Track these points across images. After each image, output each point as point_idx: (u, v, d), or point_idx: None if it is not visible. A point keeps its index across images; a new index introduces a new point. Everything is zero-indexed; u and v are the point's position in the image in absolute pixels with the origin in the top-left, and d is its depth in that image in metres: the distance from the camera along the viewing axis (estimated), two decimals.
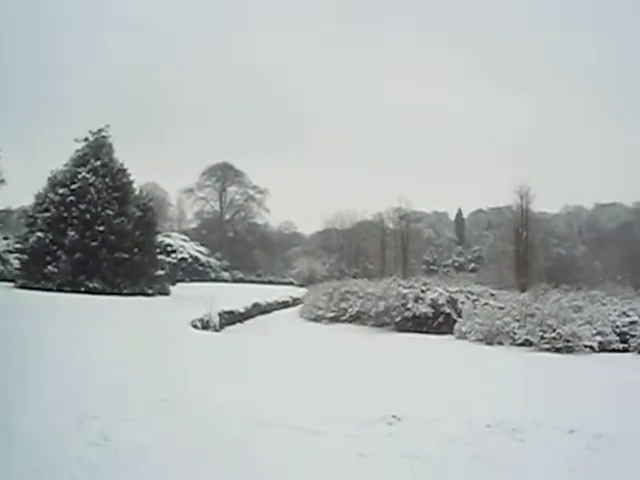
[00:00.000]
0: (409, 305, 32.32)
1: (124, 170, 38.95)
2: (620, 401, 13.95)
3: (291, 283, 76.44)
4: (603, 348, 25.47)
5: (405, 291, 33.41)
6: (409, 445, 8.74)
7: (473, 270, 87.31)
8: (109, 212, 36.32)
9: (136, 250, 36.95)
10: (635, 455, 9.21)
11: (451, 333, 29.48)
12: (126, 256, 36.04)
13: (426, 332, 30.48)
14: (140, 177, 47.94)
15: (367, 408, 10.78)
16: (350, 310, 36.70)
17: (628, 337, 26.25)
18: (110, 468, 6.86)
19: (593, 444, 9.63)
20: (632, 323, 26.65)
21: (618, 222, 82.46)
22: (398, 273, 51.35)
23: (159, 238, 47.79)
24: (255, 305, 38.10)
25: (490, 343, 26.50)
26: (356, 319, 35.93)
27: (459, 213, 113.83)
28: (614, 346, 25.88)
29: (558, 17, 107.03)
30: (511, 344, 26.26)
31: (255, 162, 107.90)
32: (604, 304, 30.03)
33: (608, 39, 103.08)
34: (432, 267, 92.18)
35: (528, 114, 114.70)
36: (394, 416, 10.28)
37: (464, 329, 28.59)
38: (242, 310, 34.17)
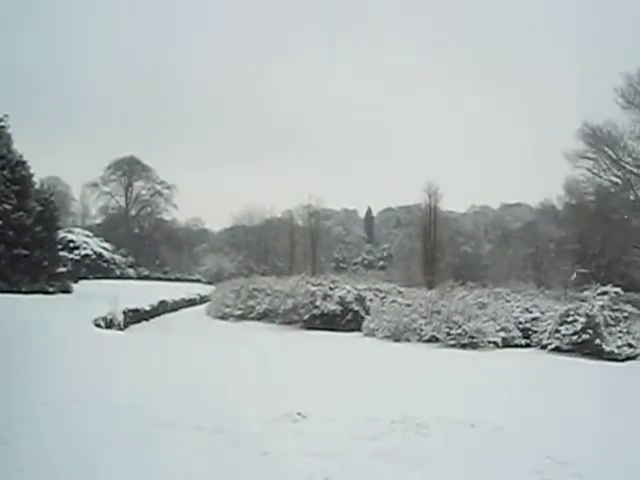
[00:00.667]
0: (317, 303, 32.42)
1: (24, 162, 37.40)
2: (521, 395, 14.37)
3: (199, 280, 75.43)
4: (507, 344, 26.22)
5: (313, 289, 33.51)
6: (313, 442, 8.72)
7: (382, 268, 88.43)
8: (7, 206, 34.83)
9: (36, 246, 35.59)
10: (533, 447, 9.45)
11: (359, 330, 29.76)
12: (25, 252, 34.63)
13: (334, 330, 30.61)
14: (41, 171, 46.37)
15: (272, 406, 10.71)
16: (258, 308, 36.54)
17: (530, 333, 27.13)
18: None
19: (494, 437, 9.86)
20: (534, 319, 27.56)
21: (523, 221, 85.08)
22: (307, 271, 51.52)
23: (61, 234, 46.27)
24: (161, 303, 37.43)
25: (398, 340, 26.88)
26: (264, 317, 35.80)
27: (369, 211, 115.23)
28: (517, 342, 26.70)
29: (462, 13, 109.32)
30: (418, 340, 26.71)
31: (162, 157, 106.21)
32: (508, 301, 30.94)
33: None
34: (341, 265, 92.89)
35: (439, 114, 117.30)
36: (299, 414, 10.22)
37: (372, 326, 28.91)
38: (148, 308, 33.50)
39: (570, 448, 9.48)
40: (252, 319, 35.77)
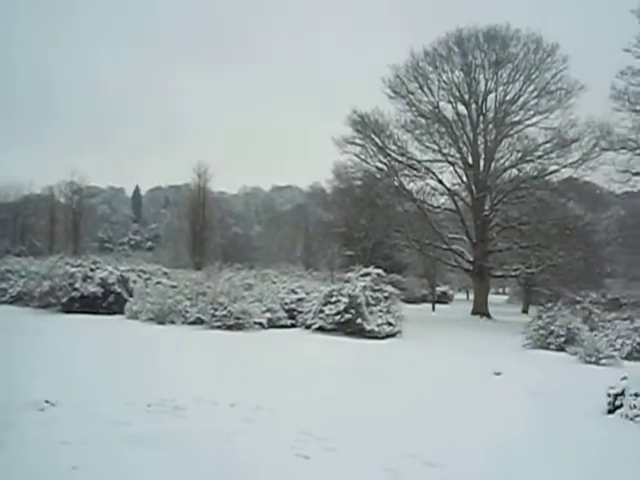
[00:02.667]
0: (77, 285, 31.00)
1: None
2: (280, 374, 14.79)
3: None
4: (273, 324, 26.81)
5: (73, 270, 31.97)
6: (62, 430, 8.46)
7: (150, 249, 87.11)
8: None
9: None
10: (290, 424, 9.76)
11: (122, 313, 28.94)
12: None
13: (96, 313, 29.49)
14: None
15: (16, 394, 10.17)
16: (11, 290, 34.25)
17: (296, 313, 28.01)
18: None
19: (253, 416, 10.06)
20: (299, 300, 28.50)
21: (293, 204, 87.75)
22: (68, 251, 49.24)
23: None
24: None
25: (162, 322, 26.49)
26: (18, 300, 33.61)
27: (137, 190, 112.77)
28: (283, 322, 27.41)
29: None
30: (183, 323, 26.51)
31: None
32: (275, 282, 31.71)
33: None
34: (107, 245, 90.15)
35: (212, 96, 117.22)
36: (47, 401, 9.79)
37: (135, 308, 28.25)
38: None
39: (325, 424, 9.93)
40: (4, 303, 33.46)
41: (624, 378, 12.46)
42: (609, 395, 12.25)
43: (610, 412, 12.08)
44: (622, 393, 12.01)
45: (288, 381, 13.91)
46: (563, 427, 11.09)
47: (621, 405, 11.90)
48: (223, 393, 11.61)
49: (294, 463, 7.93)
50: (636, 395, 11.59)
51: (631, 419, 11.40)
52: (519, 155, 43.85)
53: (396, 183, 45.45)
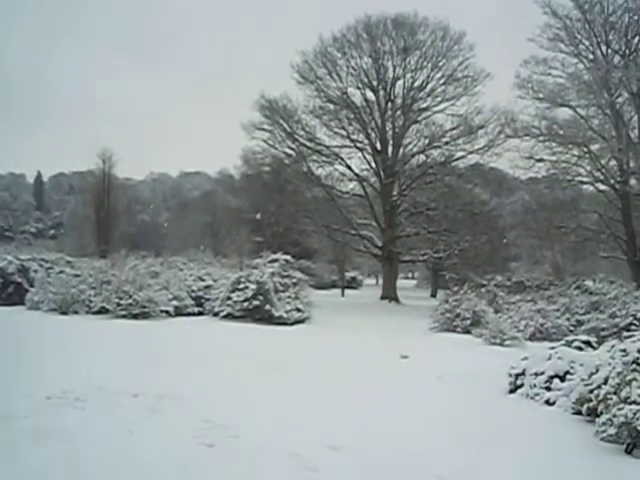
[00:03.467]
0: None
1: None
2: (184, 363, 14.60)
3: None
4: (180, 312, 26.47)
5: None
6: None
7: (53, 237, 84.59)
8: None
9: None
10: (193, 413, 9.64)
11: (23, 304, 27.99)
12: None
13: None
14: None
15: None
16: None
17: (203, 301, 27.73)
18: None
19: (156, 406, 9.91)
20: (207, 287, 28.22)
21: (201, 190, 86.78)
22: None
23: None
24: None
25: (65, 312, 25.77)
26: None
27: (38, 176, 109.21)
28: (190, 310, 27.09)
29: None
30: (87, 312, 25.88)
31: None
32: (181, 269, 31.29)
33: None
34: (7, 234, 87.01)
35: (121, 82, 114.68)
36: None
37: (36, 299, 27.38)
38: None
39: (229, 412, 9.86)
40: None
41: (525, 358, 12.85)
42: (510, 375, 12.60)
43: (512, 392, 12.43)
44: (523, 373, 12.38)
45: (192, 369, 13.75)
46: (466, 408, 11.35)
47: (522, 385, 12.25)
48: (127, 383, 11.43)
49: (197, 452, 7.86)
50: (536, 374, 11.95)
51: (531, 397, 11.75)
52: (427, 141, 44.69)
53: (305, 169, 45.56)
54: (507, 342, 21.93)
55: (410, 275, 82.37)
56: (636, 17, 38.18)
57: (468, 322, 25.53)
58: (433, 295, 51.24)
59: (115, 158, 56.33)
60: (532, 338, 23.70)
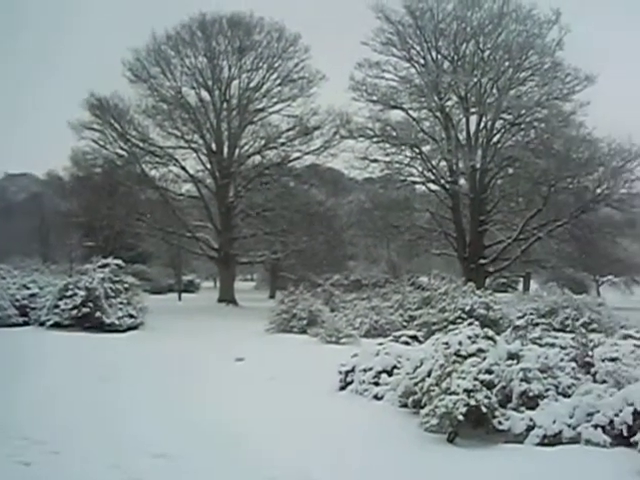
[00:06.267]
0: None
1: None
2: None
3: None
4: (3, 323, 25.02)
5: None
6: None
7: None
8: None
9: None
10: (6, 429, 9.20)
11: None
12: None
13: None
14: None
15: None
16: None
17: (29, 310, 26.35)
18: None
19: None
20: (32, 295, 26.81)
21: (28, 193, 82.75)
22: None
23: None
24: None
25: None
26: None
27: None
28: (14, 320, 25.61)
29: None
30: None
31: None
32: (4, 277, 29.58)
33: None
34: None
35: None
36: None
37: None
38: None
39: (46, 427, 9.49)
40: None
41: (355, 355, 13.16)
42: (340, 372, 12.87)
43: (342, 389, 12.70)
44: (353, 370, 12.67)
45: (7, 385, 12.94)
46: (295, 407, 11.48)
47: (352, 381, 12.54)
48: None
49: (13, 471, 7.55)
50: (364, 370, 12.28)
51: (360, 393, 12.07)
52: (263, 142, 44.97)
53: (138, 170, 44.51)
54: (343, 340, 22.41)
55: (249, 277, 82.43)
56: (464, 25, 40.36)
57: (304, 322, 25.86)
58: (272, 296, 51.53)
59: None
60: (367, 335, 24.28)
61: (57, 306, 24.88)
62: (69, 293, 24.91)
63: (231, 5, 51.65)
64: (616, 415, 9.07)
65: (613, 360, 10.90)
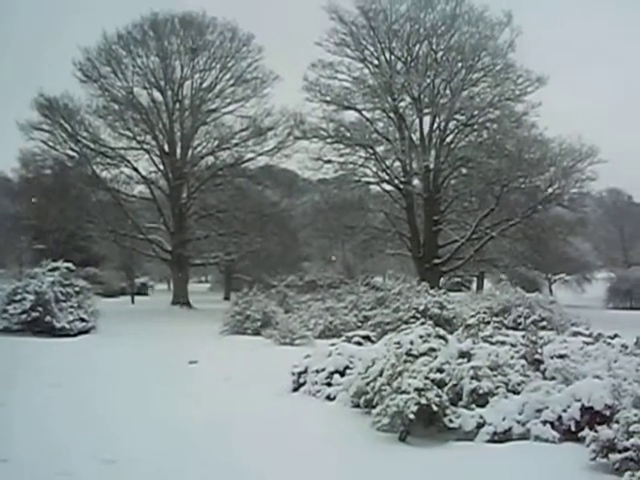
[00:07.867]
0: None
1: None
2: None
3: None
4: None
5: None
6: None
7: None
8: None
9: None
10: None
11: None
12: None
13: None
14: None
15: None
16: None
17: None
18: None
19: None
20: None
21: None
22: None
23: None
24: None
25: None
26: None
27: None
28: None
29: None
30: None
31: None
32: None
33: None
34: None
35: None
36: None
37: None
38: None
39: None
40: None
41: (307, 356, 13.18)
42: (293, 374, 12.87)
43: (295, 390, 12.71)
44: (305, 371, 12.68)
45: None
46: (248, 408, 11.46)
47: (305, 382, 12.55)
48: None
49: None
50: (317, 371, 12.30)
51: (313, 394, 12.09)
52: (216, 143, 44.71)
53: (89, 172, 43.86)
54: (297, 341, 22.42)
55: (204, 279, 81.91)
56: (417, 26, 40.69)
57: (258, 323, 25.83)
58: (227, 298, 51.29)
59: None
60: (322, 336, 24.32)
61: (6, 311, 24.48)
62: (18, 297, 24.52)
63: (183, 4, 51.13)
64: (564, 411, 9.27)
65: (562, 357, 11.15)
